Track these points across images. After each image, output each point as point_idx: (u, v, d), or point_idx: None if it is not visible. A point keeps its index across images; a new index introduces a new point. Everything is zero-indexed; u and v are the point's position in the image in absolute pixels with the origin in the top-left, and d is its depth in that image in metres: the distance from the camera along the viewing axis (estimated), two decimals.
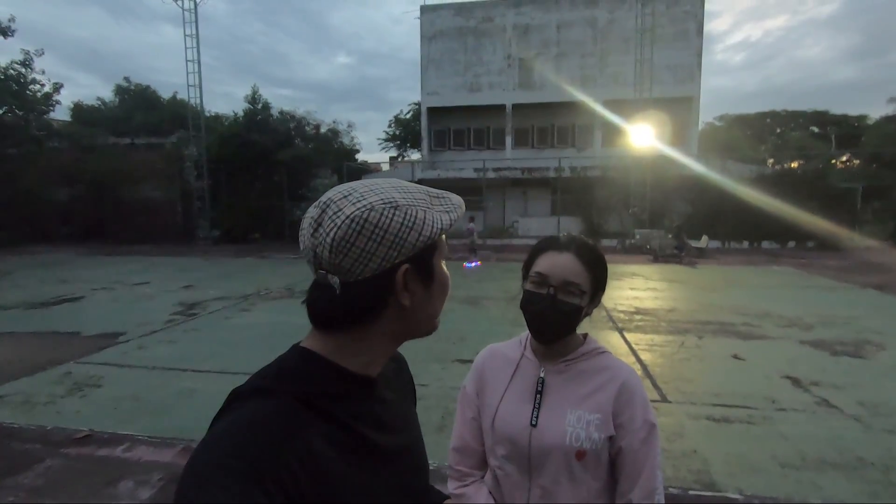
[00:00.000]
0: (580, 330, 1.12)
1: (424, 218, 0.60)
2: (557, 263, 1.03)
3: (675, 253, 14.81)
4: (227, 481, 0.47)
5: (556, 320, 1.02)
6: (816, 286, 10.20)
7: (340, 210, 0.58)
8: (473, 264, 13.47)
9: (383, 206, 0.58)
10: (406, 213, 0.59)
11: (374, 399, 0.66)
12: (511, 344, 1.19)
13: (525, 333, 1.15)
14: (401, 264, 0.60)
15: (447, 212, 0.64)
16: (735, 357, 5.39)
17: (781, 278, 11.38)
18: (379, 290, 0.60)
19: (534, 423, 1.03)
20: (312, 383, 0.59)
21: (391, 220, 0.58)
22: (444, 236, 0.66)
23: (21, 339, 6.33)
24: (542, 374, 1.08)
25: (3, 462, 3.23)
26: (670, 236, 15.46)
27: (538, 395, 1.06)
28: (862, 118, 33.99)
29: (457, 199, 0.67)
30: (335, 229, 0.57)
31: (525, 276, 1.10)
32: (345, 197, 0.59)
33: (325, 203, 0.59)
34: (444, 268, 0.68)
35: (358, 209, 0.57)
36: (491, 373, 1.15)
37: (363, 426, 0.61)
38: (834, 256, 15.43)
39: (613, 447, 1.02)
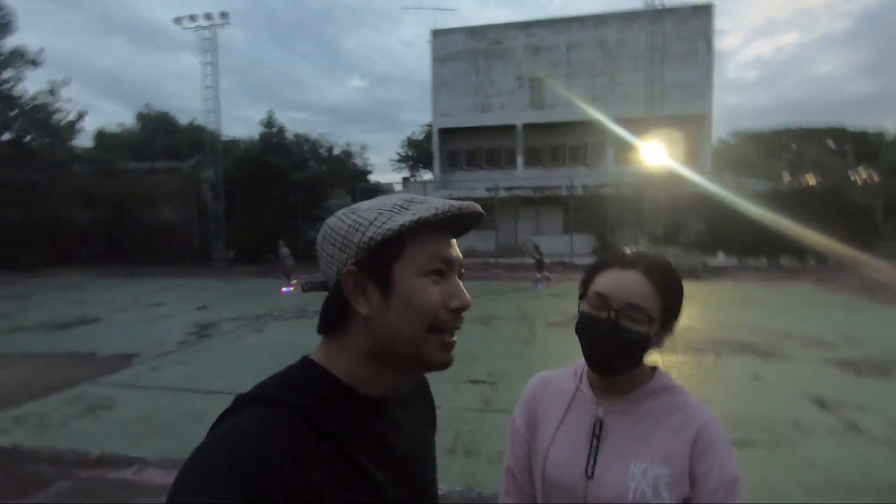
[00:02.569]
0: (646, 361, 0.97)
1: (373, 220, 0.59)
2: (621, 283, 0.87)
3: (537, 277, 13.09)
4: (216, 491, 0.47)
5: (617, 350, 0.87)
6: (838, 304, 9.94)
7: (325, 222, 0.64)
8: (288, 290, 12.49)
9: (345, 211, 0.62)
10: (358, 216, 0.60)
11: (381, 423, 0.64)
12: (565, 374, 1.03)
13: (581, 362, 0.99)
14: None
15: (413, 214, 0.58)
16: (755, 378, 5.23)
17: (801, 296, 11.12)
18: (339, 294, 0.60)
19: (590, 473, 0.87)
20: (313, 396, 0.59)
21: (344, 222, 0.61)
22: (432, 246, 0.60)
23: (38, 360, 6.41)
24: (600, 414, 0.91)
25: (14, 484, 3.24)
26: (536, 258, 13.36)
27: (595, 440, 0.89)
28: (879, 133, 33.55)
29: (438, 203, 0.60)
30: (318, 237, 0.64)
31: (582, 296, 0.95)
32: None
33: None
34: (422, 284, 0.59)
35: (330, 218, 0.64)
36: (543, 406, 1.00)
37: (363, 453, 0.59)
38: (855, 273, 15.05)
39: None
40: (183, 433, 3.95)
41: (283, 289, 12.59)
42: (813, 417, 4.18)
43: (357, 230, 0.59)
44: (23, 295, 12.60)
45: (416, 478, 0.67)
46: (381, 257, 0.58)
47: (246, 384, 0.61)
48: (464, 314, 0.63)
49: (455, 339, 0.63)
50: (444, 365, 0.63)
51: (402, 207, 0.60)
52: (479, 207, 0.63)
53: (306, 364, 0.63)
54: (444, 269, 0.61)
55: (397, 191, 28.40)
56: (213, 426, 0.57)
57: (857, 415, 4.20)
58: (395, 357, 0.62)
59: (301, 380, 0.61)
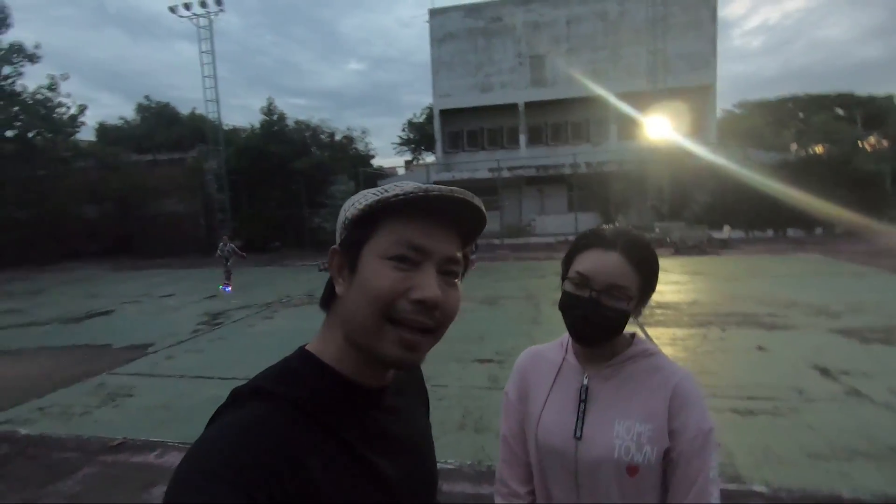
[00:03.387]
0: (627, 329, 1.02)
1: (355, 202, 0.60)
2: (602, 264, 0.92)
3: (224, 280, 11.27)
4: (214, 489, 0.46)
5: (599, 325, 0.92)
6: (844, 272, 9.92)
7: None
8: (226, 289, 11.05)
9: (353, 196, 0.64)
10: (354, 199, 0.61)
11: (381, 413, 0.64)
12: (552, 346, 1.09)
13: (566, 335, 1.06)
14: None
15: (378, 194, 0.57)
16: (759, 349, 5.29)
17: (808, 266, 11.09)
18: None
19: (578, 435, 0.94)
20: (310, 389, 0.58)
21: (344, 205, 0.63)
22: (402, 230, 0.57)
23: (57, 353, 6.58)
24: (585, 381, 0.98)
25: (44, 470, 3.38)
26: (219, 255, 11.54)
27: (582, 404, 0.97)
28: (889, 98, 32.87)
29: (409, 186, 0.57)
30: None
31: (564, 274, 0.99)
32: None
33: None
34: (380, 266, 0.56)
35: None
36: (533, 378, 1.07)
37: (365, 446, 0.59)
38: (863, 241, 14.95)
39: (666, 459, 0.92)
40: (202, 418, 4.03)
41: (223, 287, 11.15)
42: (816, 385, 4.24)
43: (344, 211, 0.62)
44: (35, 291, 12.81)
45: (417, 462, 0.68)
46: (354, 237, 0.59)
47: (259, 370, 0.61)
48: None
49: (417, 338, 0.56)
50: (398, 363, 0.57)
51: (384, 191, 0.58)
52: (461, 193, 0.56)
53: (302, 355, 0.62)
54: (409, 257, 0.56)
55: (400, 174, 28.33)
56: (211, 421, 0.56)
57: (860, 381, 4.26)
58: (356, 344, 0.59)
59: (297, 371, 0.60)
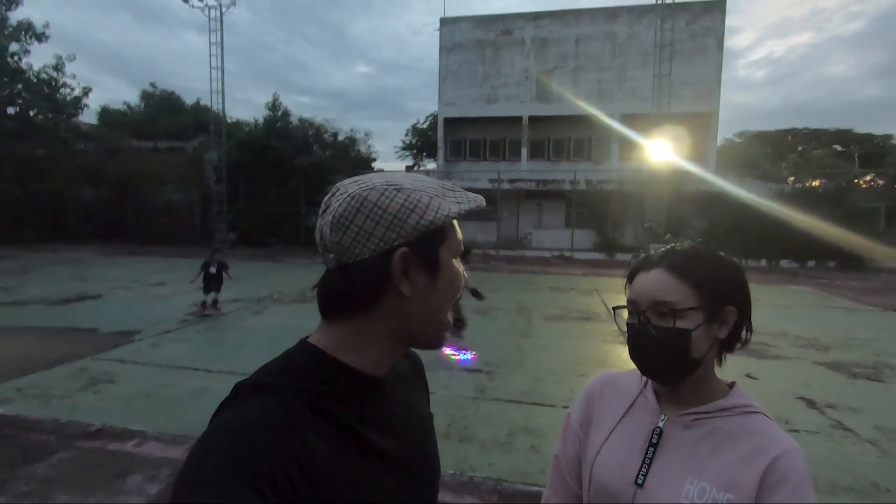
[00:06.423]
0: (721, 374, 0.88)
1: (429, 203, 0.59)
2: (645, 283, 0.85)
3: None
4: (223, 484, 0.46)
5: (656, 351, 0.82)
6: (836, 307, 9.98)
7: (346, 191, 0.60)
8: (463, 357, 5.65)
9: (385, 186, 0.59)
10: (409, 196, 0.59)
11: (382, 399, 0.64)
12: (630, 376, 0.98)
13: None
14: (399, 247, 0.58)
15: (458, 203, 0.62)
16: (748, 376, 5.29)
17: (800, 298, 11.15)
18: (376, 273, 0.58)
19: (640, 481, 0.82)
20: (316, 381, 0.58)
21: (392, 199, 0.58)
22: (457, 230, 0.64)
23: (41, 334, 6.49)
24: (660, 424, 0.86)
25: (18, 452, 3.32)
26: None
27: (651, 448, 0.84)
28: (887, 137, 33.36)
29: (473, 195, 0.64)
30: (338, 206, 0.59)
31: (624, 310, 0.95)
32: (354, 181, 0.61)
33: (335, 187, 0.63)
34: (457, 264, 0.64)
35: (360, 188, 0.59)
36: (601, 406, 0.95)
37: (369, 430, 0.60)
38: (855, 277, 15.08)
39: None
40: (182, 409, 4.01)
41: (457, 358, 5.66)
42: (802, 416, 4.24)
43: (413, 211, 0.58)
44: (24, 269, 12.67)
45: (417, 447, 0.69)
46: (432, 240, 0.60)
47: (246, 364, 0.61)
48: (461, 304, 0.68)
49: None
50: (442, 339, 0.67)
51: (446, 192, 0.63)
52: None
53: (308, 349, 0.61)
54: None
55: None
56: (215, 415, 0.56)
57: (846, 415, 4.26)
58: (418, 334, 0.63)
59: (300, 363, 0.60)
